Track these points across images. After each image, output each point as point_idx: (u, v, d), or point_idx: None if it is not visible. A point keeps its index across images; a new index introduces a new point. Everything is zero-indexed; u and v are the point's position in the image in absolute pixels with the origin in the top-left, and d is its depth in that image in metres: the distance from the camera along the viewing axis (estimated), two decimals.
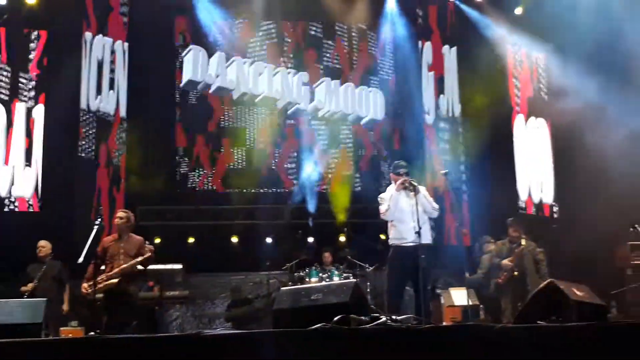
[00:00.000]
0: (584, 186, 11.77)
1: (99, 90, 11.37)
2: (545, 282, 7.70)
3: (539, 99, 13.72)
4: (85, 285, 7.48)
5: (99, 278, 7.36)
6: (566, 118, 12.11)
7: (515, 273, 8.80)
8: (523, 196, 13.03)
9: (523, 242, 8.93)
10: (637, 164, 10.71)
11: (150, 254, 7.66)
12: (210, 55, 12.05)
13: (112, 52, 11.60)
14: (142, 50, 11.72)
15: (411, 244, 7.09)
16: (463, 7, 13.21)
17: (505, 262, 8.96)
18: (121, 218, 7.79)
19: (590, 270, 10.00)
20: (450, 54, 13.36)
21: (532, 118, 13.55)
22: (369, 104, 12.93)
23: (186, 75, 12.03)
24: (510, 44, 13.32)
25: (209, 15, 12.21)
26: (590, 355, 4.50)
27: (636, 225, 8.63)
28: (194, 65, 11.95)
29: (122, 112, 11.60)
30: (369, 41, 13.33)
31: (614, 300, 10.03)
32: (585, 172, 11.69)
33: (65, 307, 8.79)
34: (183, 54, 12.09)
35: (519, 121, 13.37)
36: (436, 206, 7.44)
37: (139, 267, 7.68)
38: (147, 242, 7.82)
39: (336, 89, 12.77)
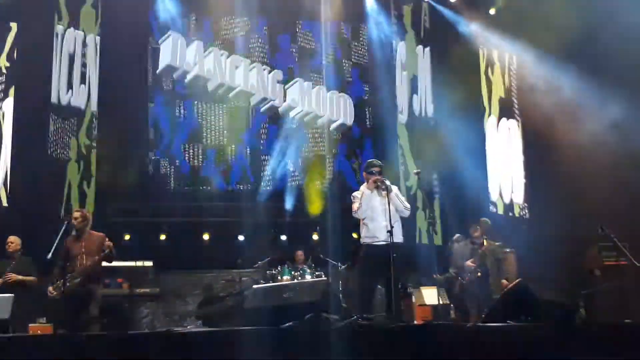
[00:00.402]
0: (554, 187, 11.92)
1: (70, 84, 11.23)
2: (514, 282, 7.80)
3: (511, 100, 13.86)
4: (50, 288, 7.52)
5: (61, 279, 7.40)
6: (538, 119, 12.25)
7: (479, 274, 8.89)
8: (494, 196, 13.15)
9: (485, 242, 9.03)
10: (606, 165, 10.88)
11: (107, 250, 7.62)
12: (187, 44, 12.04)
13: (84, 45, 11.47)
14: (114, 44, 11.59)
15: (383, 243, 7.10)
16: (438, 7, 13.28)
17: (468, 263, 9.07)
18: (76, 218, 7.81)
19: (560, 271, 10.12)
20: (424, 54, 13.43)
21: (504, 119, 13.67)
22: (339, 108, 12.97)
23: (164, 61, 11.95)
24: (484, 44, 13.44)
25: (181, 10, 12.18)
26: (559, 354, 4.56)
27: (603, 226, 8.72)
28: (172, 51, 11.88)
29: (93, 107, 11.47)
30: (344, 40, 13.33)
31: (583, 300, 10.16)
32: (556, 173, 11.84)
33: (13, 276, 8.24)
34: (161, 40, 12.00)
35: (490, 122, 13.49)
36: (408, 205, 7.47)
37: (104, 263, 7.68)
38: (107, 238, 7.76)
39: (309, 89, 12.79)
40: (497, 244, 9.62)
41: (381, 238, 7.15)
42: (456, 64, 12.79)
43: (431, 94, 13.33)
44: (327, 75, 13.10)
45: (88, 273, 7.54)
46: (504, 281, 9.02)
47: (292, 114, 12.69)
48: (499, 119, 13.63)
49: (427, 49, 13.43)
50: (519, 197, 13.54)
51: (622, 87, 11.01)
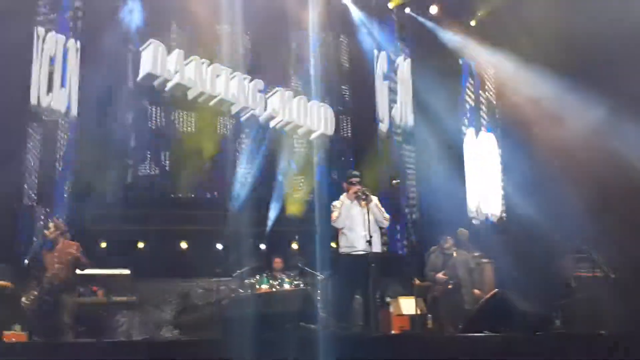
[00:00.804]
0: (532, 198, 12.01)
1: (50, 88, 11.14)
2: (491, 293, 7.85)
3: (492, 111, 13.96)
4: (23, 298, 7.68)
5: (35, 289, 7.64)
6: (517, 131, 12.37)
7: (450, 286, 8.92)
8: (472, 206, 13.21)
9: (454, 254, 9.06)
10: (586, 176, 11.00)
11: (72, 258, 7.74)
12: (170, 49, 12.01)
13: (65, 49, 11.37)
14: (95, 48, 11.49)
15: (361, 253, 7.12)
16: (419, 18, 13.36)
17: (439, 275, 9.09)
18: (49, 228, 7.96)
19: (537, 281, 10.19)
20: (404, 65, 13.51)
21: (483, 130, 13.77)
22: (320, 118, 12.99)
23: (144, 69, 11.83)
24: (465, 55, 13.54)
25: (162, 17, 12.15)
26: None
27: (579, 238, 8.83)
28: (153, 59, 11.81)
29: (73, 111, 11.36)
30: (325, 50, 13.36)
31: (559, 311, 10.24)
32: (535, 185, 11.94)
33: None
34: (142, 47, 11.94)
35: (469, 133, 13.58)
36: (387, 216, 7.49)
37: (77, 271, 7.84)
38: (77, 247, 7.80)
39: (290, 99, 12.80)
40: (473, 254, 9.66)
41: (360, 248, 7.16)
42: (436, 75, 12.87)
43: (411, 105, 13.42)
44: (308, 85, 13.11)
45: (55, 281, 7.60)
46: (476, 291, 9.05)
47: (272, 123, 12.67)
48: (478, 130, 13.73)
49: (408, 60, 13.51)
50: (497, 208, 13.64)
51: (603, 94, 11.14)
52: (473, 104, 13.79)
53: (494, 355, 4.56)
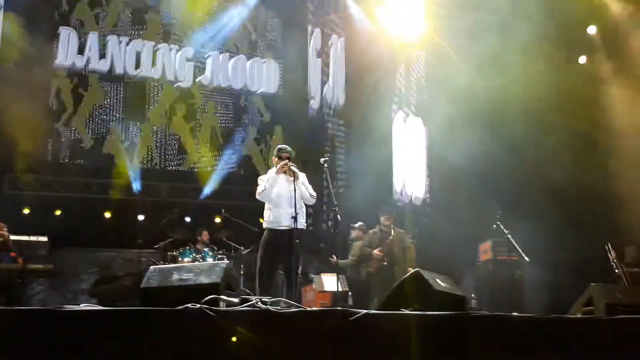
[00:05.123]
0: (455, 182, 12.28)
1: None
2: (411, 272, 8.00)
3: (420, 97, 14.08)
4: None
5: None
6: (443, 115, 12.56)
7: (385, 263, 9.06)
8: (398, 188, 13.38)
9: (393, 232, 9.20)
10: (508, 164, 11.33)
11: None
12: (84, 34, 11.76)
13: None
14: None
15: (285, 228, 7.14)
16: None
17: (376, 252, 9.21)
18: None
19: (456, 263, 10.46)
20: (338, 44, 13.49)
21: (411, 114, 13.89)
22: (261, 76, 12.87)
23: (60, 59, 11.63)
24: (397, 38, 13.59)
25: None
26: (448, 342, 4.71)
27: (498, 222, 9.04)
28: (67, 49, 11.57)
29: None
30: (258, 25, 13.24)
31: (474, 292, 10.57)
32: (457, 171, 12.20)
33: None
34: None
35: (398, 117, 13.67)
36: (314, 193, 7.52)
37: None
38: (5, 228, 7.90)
39: (225, 62, 12.62)
40: (402, 231, 9.83)
41: (284, 224, 7.18)
42: (369, 56, 12.92)
43: (343, 84, 13.45)
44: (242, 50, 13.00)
45: None
46: (410, 269, 9.21)
47: (203, 91, 12.53)
48: (407, 113, 13.85)
49: (342, 39, 13.49)
50: (421, 190, 13.82)
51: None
52: (403, 87, 13.87)
53: (409, 333, 4.66)
